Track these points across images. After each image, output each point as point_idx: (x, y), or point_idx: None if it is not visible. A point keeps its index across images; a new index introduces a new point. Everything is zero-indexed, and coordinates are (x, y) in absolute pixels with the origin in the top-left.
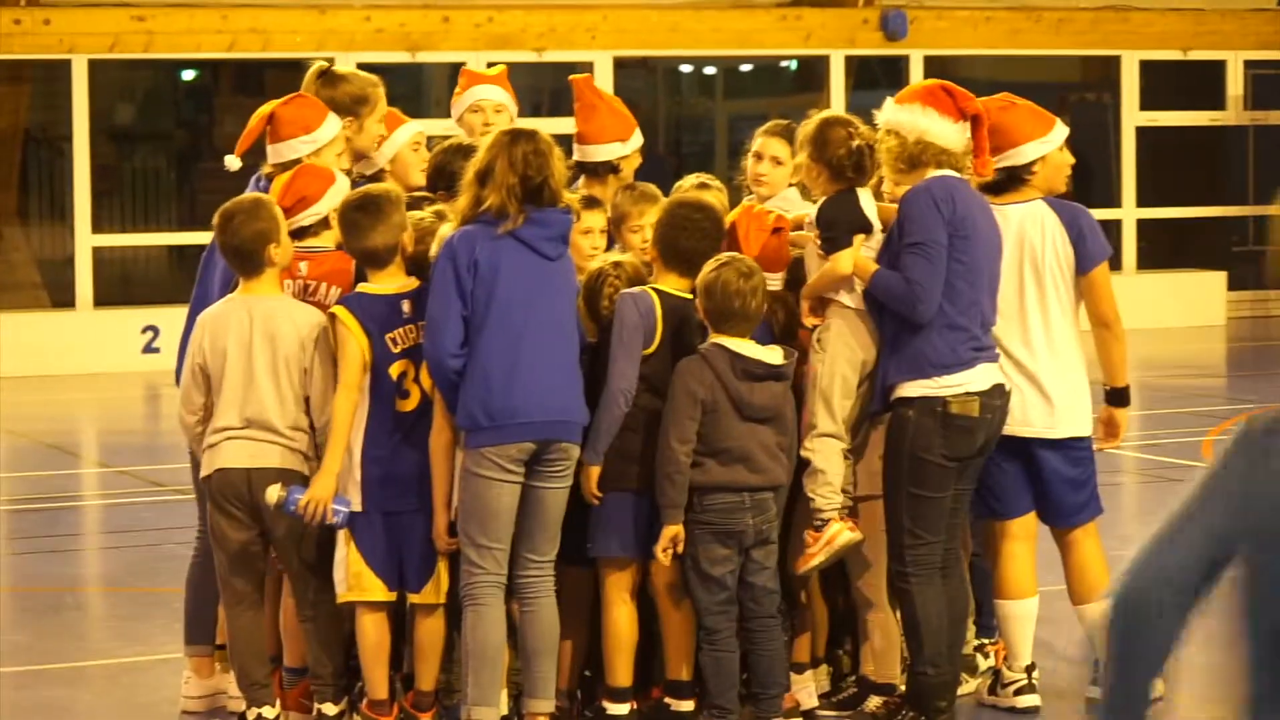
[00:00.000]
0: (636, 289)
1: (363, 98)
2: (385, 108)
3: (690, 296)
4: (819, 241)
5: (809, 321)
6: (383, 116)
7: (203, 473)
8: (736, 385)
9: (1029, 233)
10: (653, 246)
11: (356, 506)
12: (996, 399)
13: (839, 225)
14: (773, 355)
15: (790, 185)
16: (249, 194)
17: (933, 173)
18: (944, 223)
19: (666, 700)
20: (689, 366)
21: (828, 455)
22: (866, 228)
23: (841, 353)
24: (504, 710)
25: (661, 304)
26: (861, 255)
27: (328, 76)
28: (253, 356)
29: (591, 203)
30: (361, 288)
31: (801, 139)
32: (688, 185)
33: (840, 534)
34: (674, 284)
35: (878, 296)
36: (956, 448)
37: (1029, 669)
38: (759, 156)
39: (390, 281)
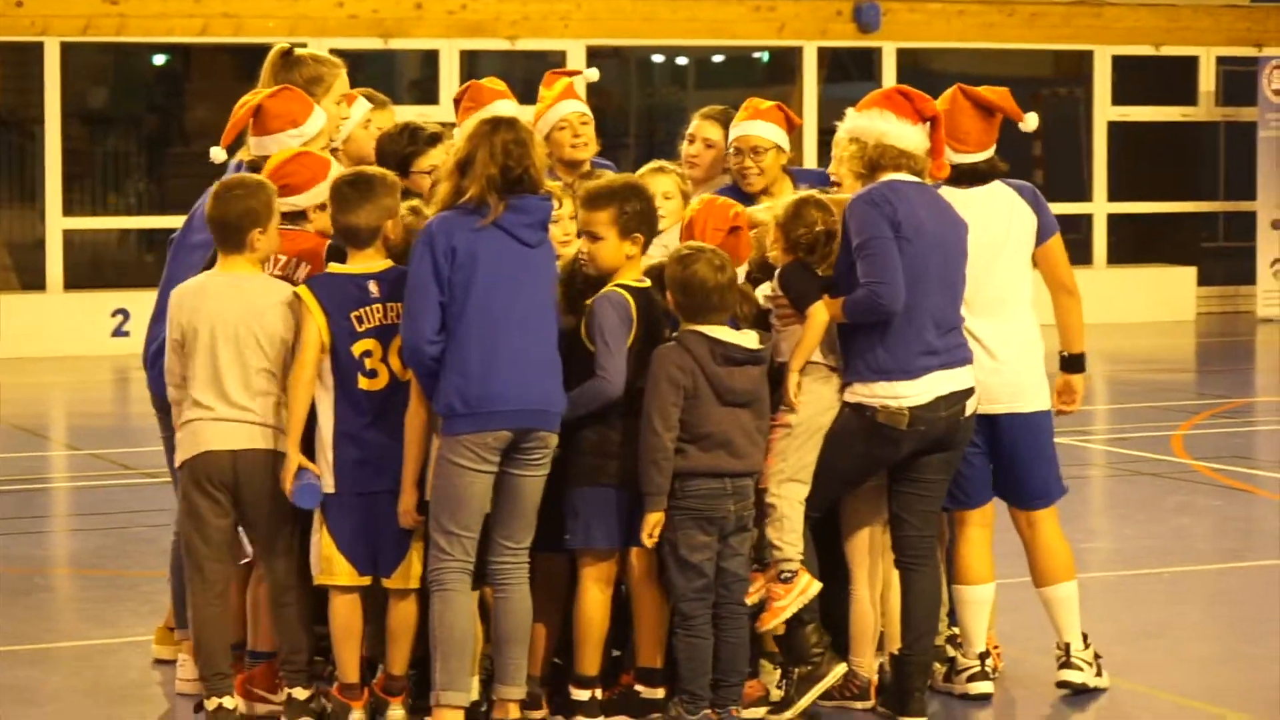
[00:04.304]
0: (609, 290)
1: (315, 78)
2: (342, 88)
3: (648, 284)
4: (783, 311)
5: (792, 402)
6: (340, 98)
7: (181, 455)
8: (716, 370)
9: (997, 211)
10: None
11: (328, 487)
12: (940, 410)
13: (808, 288)
14: (749, 340)
15: (725, 171)
16: (253, 175)
17: (890, 175)
18: (884, 217)
19: (637, 687)
20: (668, 353)
21: (792, 502)
22: (829, 287)
23: (815, 405)
24: (474, 696)
25: (635, 302)
26: (825, 300)
27: (288, 59)
28: (225, 333)
29: (561, 189)
30: (331, 268)
31: (778, 207)
32: (645, 171)
33: (810, 585)
34: (633, 275)
35: (854, 319)
36: (877, 455)
37: (982, 656)
38: (692, 139)
39: (364, 263)
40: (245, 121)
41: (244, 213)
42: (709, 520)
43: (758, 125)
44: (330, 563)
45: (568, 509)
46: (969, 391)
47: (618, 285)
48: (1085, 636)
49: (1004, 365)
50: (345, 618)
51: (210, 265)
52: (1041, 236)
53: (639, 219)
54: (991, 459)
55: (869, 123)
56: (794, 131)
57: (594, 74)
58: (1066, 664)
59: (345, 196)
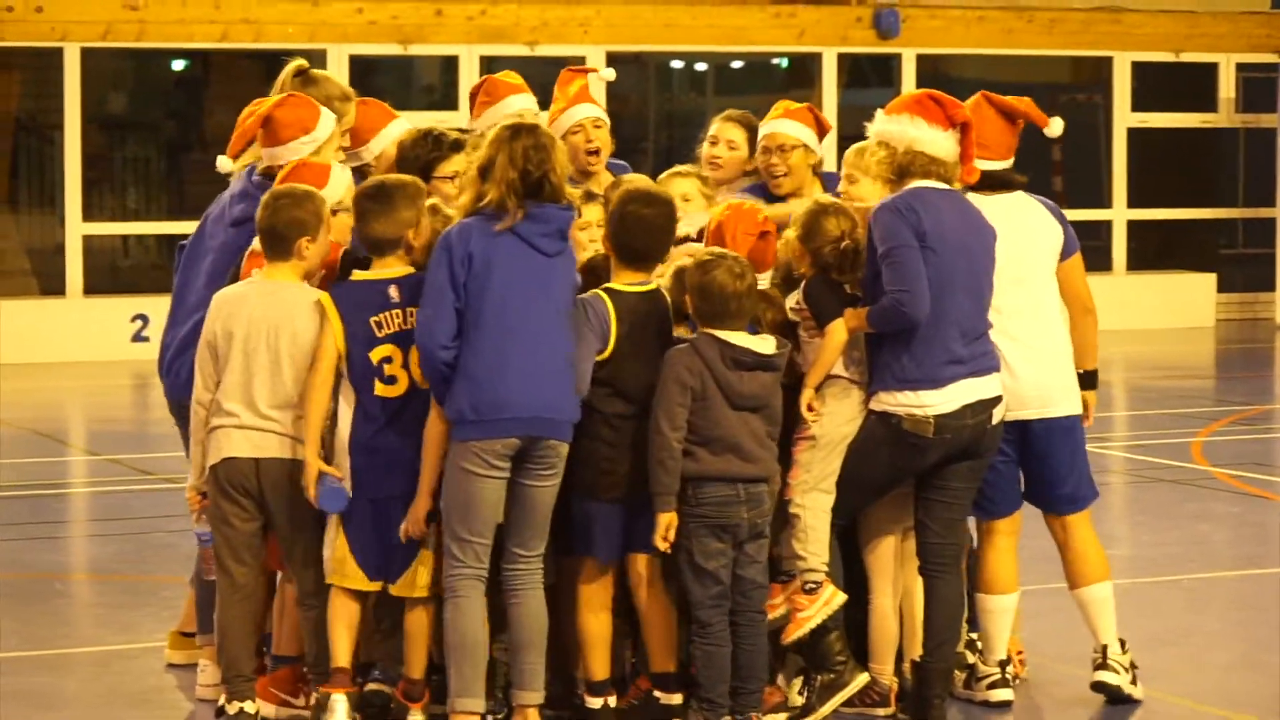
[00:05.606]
0: (589, 294)
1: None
2: (349, 122)
3: (646, 288)
4: (810, 323)
5: (811, 418)
6: (344, 131)
7: (209, 460)
8: (726, 374)
9: (1025, 218)
10: (605, 242)
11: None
12: (966, 418)
13: (830, 304)
14: (763, 345)
15: (745, 174)
16: (302, 185)
17: (918, 183)
18: (909, 226)
19: (655, 693)
20: (678, 355)
21: (817, 512)
22: (854, 301)
23: (837, 418)
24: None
25: (615, 306)
26: (850, 311)
27: (305, 77)
28: (259, 342)
29: (589, 197)
30: (354, 275)
31: (797, 216)
32: (665, 176)
33: (835, 596)
34: (628, 279)
35: (878, 329)
36: (903, 463)
37: (1003, 664)
38: (715, 140)
39: (386, 269)
40: (253, 132)
41: (291, 221)
42: (723, 528)
43: (785, 124)
44: (343, 565)
45: (566, 520)
46: (996, 399)
47: (604, 288)
48: (1123, 642)
49: (1035, 370)
50: (341, 607)
51: (235, 276)
52: (1065, 253)
53: None
54: (1023, 465)
55: (899, 128)
56: (825, 135)
57: (610, 74)
58: (1102, 665)
59: (365, 210)
